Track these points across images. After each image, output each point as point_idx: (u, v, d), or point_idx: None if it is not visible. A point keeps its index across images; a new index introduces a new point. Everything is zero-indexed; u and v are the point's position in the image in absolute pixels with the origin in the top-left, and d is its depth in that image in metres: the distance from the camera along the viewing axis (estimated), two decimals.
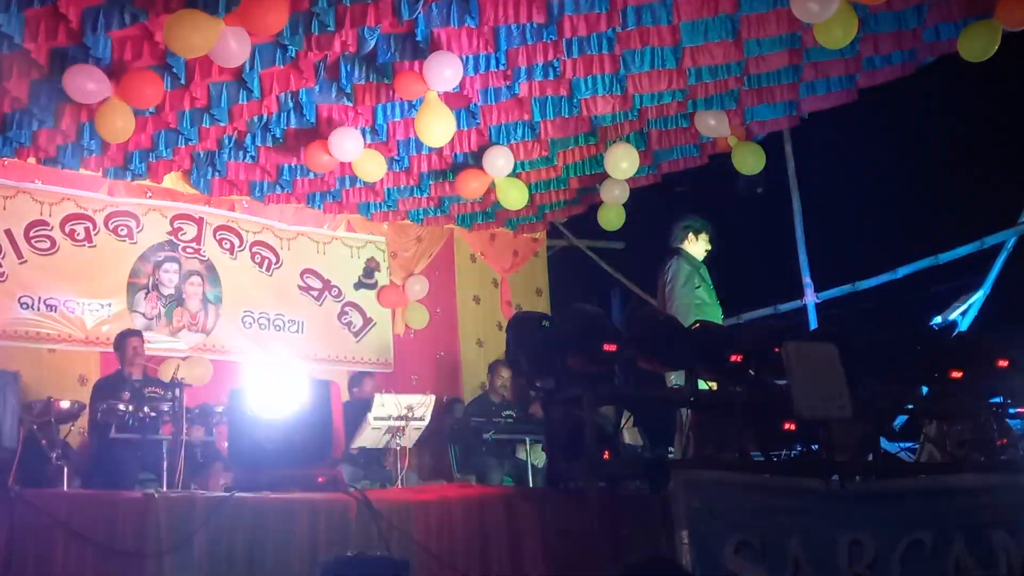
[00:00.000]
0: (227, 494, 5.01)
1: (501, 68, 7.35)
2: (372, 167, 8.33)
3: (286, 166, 8.73)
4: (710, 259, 7.35)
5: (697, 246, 7.32)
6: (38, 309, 8.36)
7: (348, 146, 7.89)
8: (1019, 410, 6.62)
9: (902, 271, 9.71)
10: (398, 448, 7.15)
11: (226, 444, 6.57)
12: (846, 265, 10.01)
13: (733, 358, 5.81)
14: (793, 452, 6.26)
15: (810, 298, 9.93)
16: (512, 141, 8.55)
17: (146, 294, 8.91)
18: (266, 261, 9.65)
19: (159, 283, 8.99)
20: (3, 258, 8.26)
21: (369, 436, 7.24)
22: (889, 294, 9.80)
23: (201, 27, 6.10)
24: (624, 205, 9.57)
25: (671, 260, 7.23)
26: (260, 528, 4.80)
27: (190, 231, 9.23)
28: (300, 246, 9.87)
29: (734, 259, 7.88)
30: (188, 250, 9.20)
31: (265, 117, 7.69)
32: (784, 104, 8.46)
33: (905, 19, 7.22)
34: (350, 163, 8.26)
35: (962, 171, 9.13)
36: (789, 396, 5.64)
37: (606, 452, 5.61)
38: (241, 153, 8.41)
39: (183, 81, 6.93)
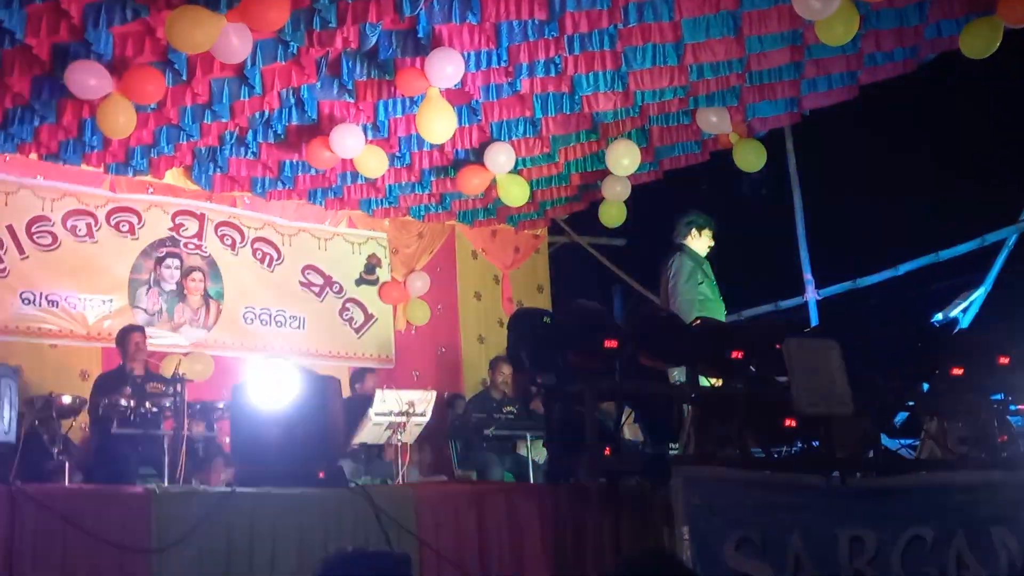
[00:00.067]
0: (228, 489, 5.01)
1: (503, 64, 7.34)
2: (373, 163, 8.33)
3: (287, 162, 8.73)
4: (712, 255, 7.36)
5: (700, 242, 7.32)
6: (40, 305, 8.36)
7: (349, 142, 7.89)
8: (1019, 407, 6.63)
9: (903, 268, 9.73)
10: (399, 444, 7.15)
11: (228, 439, 6.57)
12: (847, 262, 10.02)
13: (734, 355, 5.81)
14: (794, 448, 6.25)
15: (811, 295, 9.94)
16: (513, 137, 8.54)
17: (147, 290, 8.92)
18: (267, 257, 9.65)
19: (160, 279, 9.00)
20: (5, 254, 8.27)
21: (370, 432, 7.24)
22: (890, 291, 9.81)
23: (203, 23, 6.10)
24: (625, 202, 9.58)
25: (674, 256, 7.23)
26: (261, 523, 4.80)
27: (191, 227, 9.23)
28: (301, 242, 9.87)
29: (735, 256, 7.87)
30: (189, 246, 9.20)
31: (267, 113, 7.68)
32: (786, 101, 8.42)
33: (907, 16, 7.21)
34: (351, 159, 8.27)
35: (963, 168, 9.13)
36: (790, 393, 5.65)
37: (607, 448, 5.62)
38: (242, 149, 8.40)
39: (184, 77, 6.92)
